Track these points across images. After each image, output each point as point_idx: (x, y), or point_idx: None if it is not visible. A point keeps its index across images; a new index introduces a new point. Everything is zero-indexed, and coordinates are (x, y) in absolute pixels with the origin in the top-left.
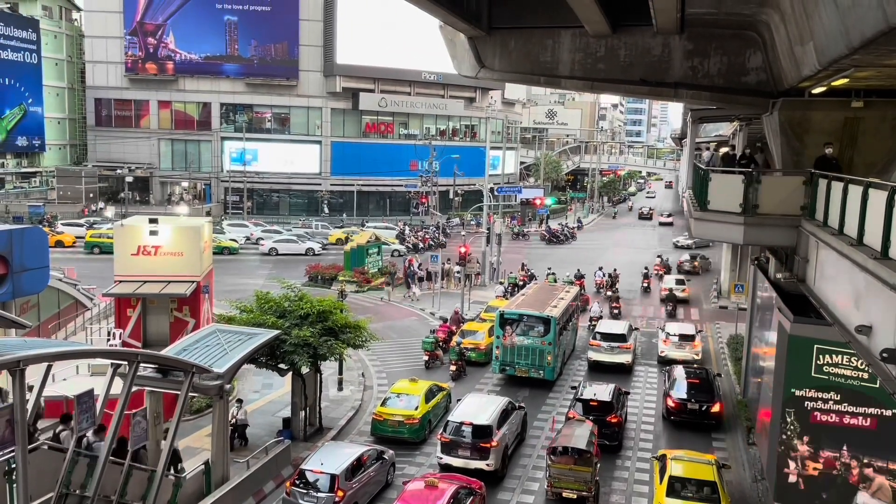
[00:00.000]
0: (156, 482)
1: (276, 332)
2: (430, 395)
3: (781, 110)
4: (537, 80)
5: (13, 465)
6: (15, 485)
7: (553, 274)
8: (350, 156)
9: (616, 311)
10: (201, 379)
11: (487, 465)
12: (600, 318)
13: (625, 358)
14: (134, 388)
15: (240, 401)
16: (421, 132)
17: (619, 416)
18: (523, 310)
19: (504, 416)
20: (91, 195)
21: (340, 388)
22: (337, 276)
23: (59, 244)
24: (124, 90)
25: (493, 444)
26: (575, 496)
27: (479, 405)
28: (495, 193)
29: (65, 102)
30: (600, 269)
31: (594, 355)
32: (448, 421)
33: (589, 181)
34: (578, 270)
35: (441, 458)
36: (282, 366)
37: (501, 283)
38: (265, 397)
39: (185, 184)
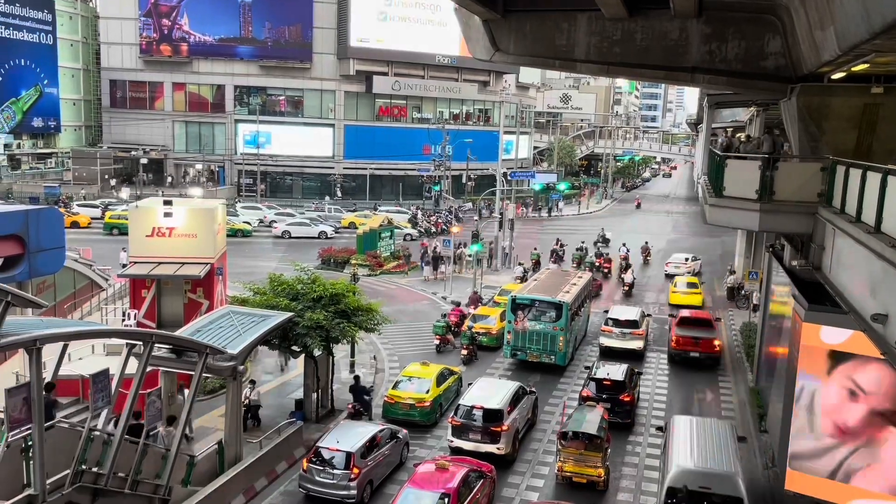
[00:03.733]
0: (170, 461)
1: (289, 314)
2: (441, 378)
3: (800, 96)
4: (552, 64)
5: (30, 443)
6: (32, 461)
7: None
8: (363, 139)
9: (626, 290)
10: (215, 360)
11: (498, 448)
12: (633, 283)
13: (636, 344)
14: (148, 369)
15: (253, 382)
16: (434, 116)
17: (631, 395)
18: (535, 295)
19: (515, 400)
20: (106, 176)
21: (352, 371)
22: (349, 260)
23: (75, 225)
24: (139, 72)
25: (504, 427)
26: (585, 481)
27: (490, 389)
28: (508, 178)
29: (80, 84)
30: (624, 244)
31: (606, 341)
32: (459, 404)
33: (603, 166)
34: (598, 248)
35: (452, 441)
36: (294, 348)
37: (521, 265)
38: (278, 379)
39: (198, 166)
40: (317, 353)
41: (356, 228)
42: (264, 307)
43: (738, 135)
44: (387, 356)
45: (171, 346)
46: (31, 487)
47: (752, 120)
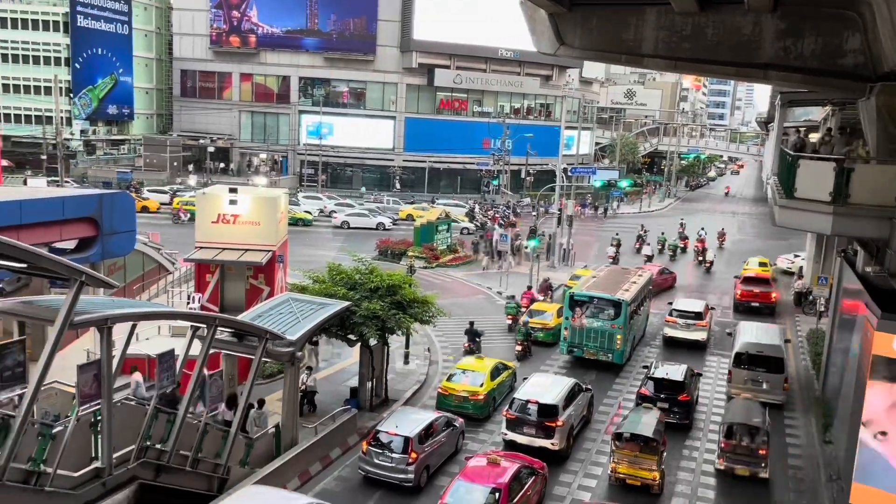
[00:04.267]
0: (229, 440)
1: (347, 303)
2: (495, 372)
3: (879, 95)
4: (618, 59)
5: (99, 418)
6: (100, 435)
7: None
8: (423, 132)
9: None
10: (274, 345)
11: (552, 444)
12: (713, 262)
13: (700, 335)
14: (211, 351)
15: (309, 368)
16: (495, 110)
17: (689, 396)
18: (594, 292)
19: (571, 396)
20: (175, 163)
21: (406, 362)
22: (406, 252)
23: (145, 209)
24: (208, 62)
25: (559, 423)
26: (639, 483)
27: (545, 384)
28: (569, 174)
29: (153, 73)
30: (702, 229)
31: (670, 331)
32: (514, 398)
33: (666, 164)
34: (682, 231)
35: (506, 435)
36: (351, 336)
37: (613, 245)
38: (334, 366)
39: (263, 155)
40: (372, 342)
41: (413, 221)
42: (323, 295)
43: (810, 135)
44: (440, 348)
45: (233, 330)
46: (98, 460)
47: (826, 119)
